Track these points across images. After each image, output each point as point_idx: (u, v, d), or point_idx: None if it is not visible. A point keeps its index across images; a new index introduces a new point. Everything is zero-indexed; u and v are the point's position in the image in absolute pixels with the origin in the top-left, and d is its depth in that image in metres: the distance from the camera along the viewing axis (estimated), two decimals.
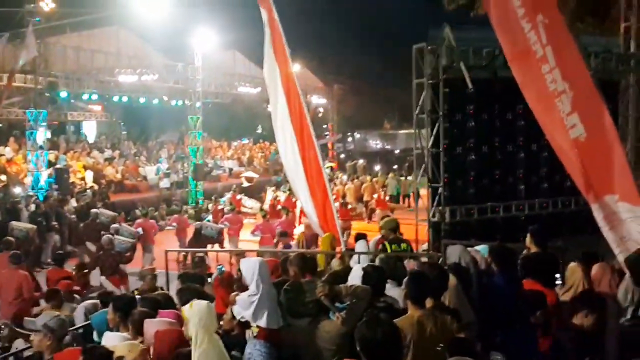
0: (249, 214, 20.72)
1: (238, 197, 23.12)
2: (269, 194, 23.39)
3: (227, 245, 15.57)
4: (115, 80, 23.71)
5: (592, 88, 5.15)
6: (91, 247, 13.28)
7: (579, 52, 5.20)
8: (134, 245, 13.10)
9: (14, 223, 15.20)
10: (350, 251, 8.98)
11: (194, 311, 4.25)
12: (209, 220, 17.13)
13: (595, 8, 17.09)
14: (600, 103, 5.10)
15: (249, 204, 23.06)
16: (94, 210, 16.27)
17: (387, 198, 22.40)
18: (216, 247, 14.71)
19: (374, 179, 26.62)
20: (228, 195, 23.61)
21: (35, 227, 15.41)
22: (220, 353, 4.19)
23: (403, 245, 8.45)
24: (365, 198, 23.54)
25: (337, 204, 19.44)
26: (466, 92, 11.12)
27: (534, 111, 5.44)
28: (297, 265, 5.41)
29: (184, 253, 14.23)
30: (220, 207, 20.18)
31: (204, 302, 4.40)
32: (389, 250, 8.15)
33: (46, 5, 20.60)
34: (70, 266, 10.67)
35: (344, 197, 21.23)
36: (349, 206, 20.18)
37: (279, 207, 18.39)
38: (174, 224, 16.99)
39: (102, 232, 13.68)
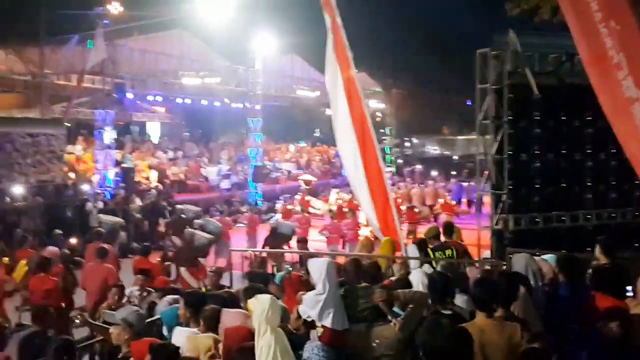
0: (317, 215, 20.81)
1: (307, 198, 23.47)
2: (333, 195, 23.60)
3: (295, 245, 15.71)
4: (179, 83, 24.31)
5: None
6: (176, 241, 14.05)
7: None
8: (211, 241, 13.56)
9: (101, 216, 16.42)
10: (410, 257, 8.95)
11: (258, 303, 4.33)
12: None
13: None
14: None
15: (317, 204, 23.18)
16: (179, 206, 17.25)
17: (453, 203, 22.10)
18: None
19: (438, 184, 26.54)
20: (297, 196, 23.95)
21: (122, 220, 16.52)
22: (282, 345, 4.21)
23: (448, 252, 8.37)
24: (428, 202, 23.55)
25: (403, 207, 19.85)
26: (531, 98, 10.88)
27: (609, 117, 5.30)
28: (352, 270, 5.43)
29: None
30: (289, 207, 20.59)
31: (268, 296, 4.47)
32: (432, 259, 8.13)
33: (114, 9, 21.32)
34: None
35: (410, 200, 21.16)
36: (416, 209, 20.20)
37: (345, 209, 18.61)
38: (245, 221, 17.54)
39: (187, 227, 14.40)
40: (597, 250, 6.34)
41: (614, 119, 5.28)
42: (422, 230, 16.60)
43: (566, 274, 5.53)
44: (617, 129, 5.30)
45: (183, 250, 12.40)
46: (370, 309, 4.88)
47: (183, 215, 16.28)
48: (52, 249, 10.52)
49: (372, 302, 4.84)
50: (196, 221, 15.56)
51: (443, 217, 19.78)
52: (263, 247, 14.51)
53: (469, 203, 24.53)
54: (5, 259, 10.75)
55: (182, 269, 10.95)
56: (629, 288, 5.90)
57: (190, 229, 13.72)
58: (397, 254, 9.33)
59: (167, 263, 11.41)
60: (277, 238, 14.92)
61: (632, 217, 11.69)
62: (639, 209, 11.65)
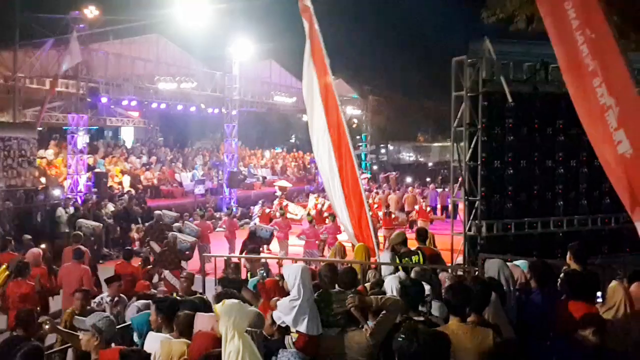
0: (294, 220, 20.84)
1: (284, 203, 23.55)
2: (311, 200, 23.68)
3: (276, 248, 16.34)
4: (155, 87, 24.09)
5: (639, 105, 5.07)
6: (154, 245, 14.08)
7: (626, 69, 5.12)
8: (193, 244, 14.23)
9: (82, 220, 16.28)
10: (385, 262, 8.97)
11: (225, 308, 4.24)
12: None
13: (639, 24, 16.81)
14: None
15: (294, 209, 23.36)
16: (157, 212, 17.28)
17: (429, 209, 22.26)
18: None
19: (415, 190, 26.81)
20: (275, 201, 24.02)
21: (101, 225, 16.79)
22: (251, 351, 4.13)
23: (415, 258, 8.41)
24: (406, 208, 23.87)
25: (380, 213, 19.95)
26: (506, 105, 11.03)
27: (584, 124, 5.37)
28: (326, 275, 5.43)
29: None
30: (267, 211, 20.70)
31: (235, 301, 4.39)
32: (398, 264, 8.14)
33: (90, 13, 21.07)
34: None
35: (387, 206, 21.47)
36: (393, 215, 20.39)
37: (326, 213, 18.76)
38: (224, 226, 17.77)
39: (166, 232, 14.88)
40: (569, 256, 6.42)
41: (588, 125, 5.35)
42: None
43: (538, 280, 5.59)
44: (592, 135, 5.38)
45: (166, 254, 12.59)
46: (342, 314, 4.87)
47: (161, 221, 16.31)
48: (34, 251, 10.39)
49: (345, 307, 4.83)
50: (175, 225, 15.74)
51: (419, 223, 19.90)
52: (241, 251, 14.63)
53: (444, 209, 24.72)
54: None
55: (166, 272, 11.08)
56: (599, 294, 6.00)
57: (173, 233, 13.99)
58: (372, 259, 9.35)
59: (149, 267, 11.54)
60: (255, 242, 15.05)
61: (602, 223, 11.89)
62: (609, 216, 11.83)
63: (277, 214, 19.63)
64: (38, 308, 8.55)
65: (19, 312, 6.70)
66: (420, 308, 5.05)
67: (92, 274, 10.11)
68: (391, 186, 30.17)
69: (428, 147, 50.49)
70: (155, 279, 11.31)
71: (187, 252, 13.77)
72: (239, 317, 4.21)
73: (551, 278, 5.76)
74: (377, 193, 25.62)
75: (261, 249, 15.00)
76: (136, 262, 11.78)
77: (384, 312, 4.78)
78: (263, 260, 10.36)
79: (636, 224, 4.89)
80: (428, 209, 21.51)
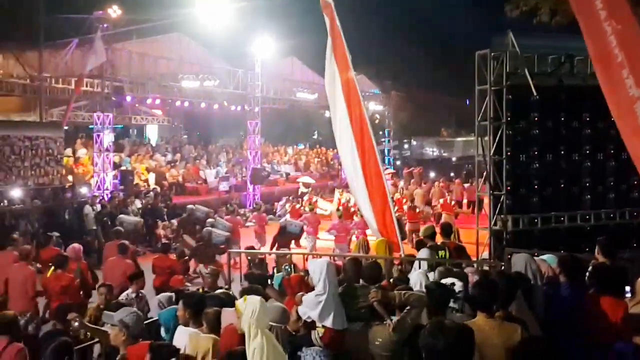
0: (323, 215, 20.96)
1: (314, 199, 23.74)
2: (336, 196, 23.77)
3: (305, 242, 16.51)
4: (178, 86, 24.28)
5: None
6: (188, 239, 14.61)
7: None
8: (228, 238, 14.55)
9: (123, 216, 16.91)
10: (408, 257, 8.97)
11: (247, 306, 4.26)
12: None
13: None
14: None
15: (323, 205, 23.49)
16: (190, 206, 18.00)
17: (453, 203, 22.18)
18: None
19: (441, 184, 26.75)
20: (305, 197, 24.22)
21: (142, 220, 17.48)
22: (274, 347, 4.17)
23: (441, 253, 8.41)
24: (433, 202, 23.87)
25: (405, 207, 20.01)
26: (530, 99, 10.92)
27: (614, 115, 5.32)
28: (351, 269, 5.43)
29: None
30: (297, 207, 20.91)
31: (257, 297, 4.40)
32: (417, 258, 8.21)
33: (114, 12, 21.32)
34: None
35: (412, 200, 21.50)
36: (417, 209, 20.48)
37: (353, 208, 18.87)
38: (253, 220, 18.05)
39: (198, 226, 15.66)
40: (597, 250, 6.35)
41: (618, 116, 5.29)
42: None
43: (567, 274, 5.53)
44: (621, 127, 5.31)
45: (201, 248, 13.14)
46: (366, 308, 4.87)
47: (194, 216, 17.13)
48: (75, 246, 10.67)
49: (368, 301, 4.83)
50: (208, 220, 16.15)
51: (443, 217, 19.92)
52: (272, 245, 15.19)
53: (470, 204, 24.57)
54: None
55: (201, 266, 11.21)
56: (627, 288, 5.92)
57: (208, 228, 14.53)
58: (396, 255, 9.35)
59: (185, 258, 12.11)
60: (286, 236, 15.63)
61: (630, 217, 11.72)
62: (637, 210, 11.66)
63: (307, 209, 19.83)
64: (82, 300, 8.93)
65: (58, 307, 6.96)
66: (452, 305, 4.99)
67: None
68: (416, 181, 30.02)
69: (451, 141, 50.15)
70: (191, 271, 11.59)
71: (222, 246, 14.03)
72: (261, 314, 4.22)
73: (580, 272, 5.70)
74: (403, 188, 25.58)
75: (291, 244, 15.57)
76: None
77: (407, 307, 4.77)
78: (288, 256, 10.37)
79: None
80: (452, 202, 21.34)
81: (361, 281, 5.25)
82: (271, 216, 21.81)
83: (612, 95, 5.24)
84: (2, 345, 5.36)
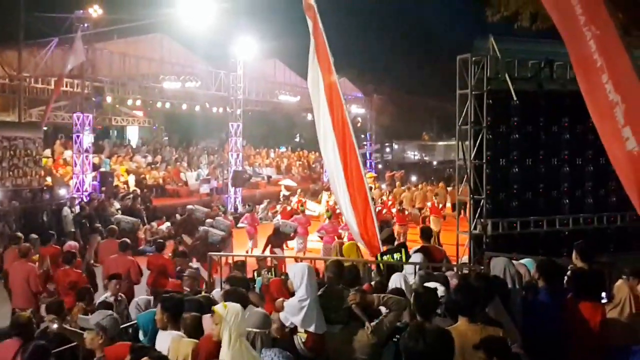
0: (312, 217, 21.17)
1: (303, 200, 23.86)
2: (324, 197, 23.88)
3: (295, 243, 17.08)
4: (159, 87, 24.12)
5: None
6: (186, 238, 15.13)
7: (631, 66, 5.09)
8: (224, 238, 15.15)
9: (120, 216, 17.37)
10: (387, 261, 8.97)
11: (228, 312, 4.16)
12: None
13: None
14: None
15: (312, 206, 23.73)
16: (189, 206, 18.58)
17: (441, 206, 22.41)
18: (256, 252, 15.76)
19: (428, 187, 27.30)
20: (294, 198, 24.33)
21: (139, 220, 18.04)
22: (254, 358, 4.15)
23: (397, 256, 8.45)
24: (417, 205, 24.25)
25: (393, 210, 20.57)
26: (510, 103, 11.01)
27: (594, 120, 5.35)
28: (333, 272, 5.42)
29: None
30: (288, 208, 21.16)
31: (238, 305, 4.35)
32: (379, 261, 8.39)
33: (94, 12, 21.08)
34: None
35: (400, 203, 21.92)
36: (406, 212, 20.89)
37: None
38: (246, 221, 18.34)
39: (197, 226, 16.25)
40: (574, 254, 6.40)
41: (598, 121, 5.33)
42: (413, 232, 17.57)
43: (546, 279, 5.57)
44: (601, 131, 5.35)
45: (198, 246, 13.63)
46: (345, 310, 4.86)
47: (193, 216, 17.68)
48: (72, 244, 11.34)
49: (347, 304, 4.82)
50: (208, 220, 16.72)
51: (432, 220, 20.23)
52: (266, 245, 15.71)
53: (454, 207, 24.71)
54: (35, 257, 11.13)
55: (197, 264, 11.37)
56: (603, 294, 5.98)
57: (205, 227, 15.12)
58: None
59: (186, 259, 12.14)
60: (279, 237, 15.98)
61: (608, 222, 11.85)
62: (615, 214, 11.79)
63: (300, 208, 20.31)
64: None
65: (49, 303, 7.10)
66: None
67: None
68: (396, 184, 30.16)
69: (433, 145, 50.44)
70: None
71: (217, 246, 14.47)
72: (242, 322, 4.17)
73: (559, 277, 5.75)
74: (387, 191, 25.82)
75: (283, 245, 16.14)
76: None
77: (386, 310, 4.77)
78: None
79: None
80: (440, 205, 21.59)
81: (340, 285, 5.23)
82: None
83: (592, 100, 5.28)
84: (16, 347, 5.34)
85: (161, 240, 12.80)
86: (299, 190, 25.62)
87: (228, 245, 15.54)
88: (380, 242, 9.01)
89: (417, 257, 8.23)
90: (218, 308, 4.24)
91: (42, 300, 9.46)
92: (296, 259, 11.64)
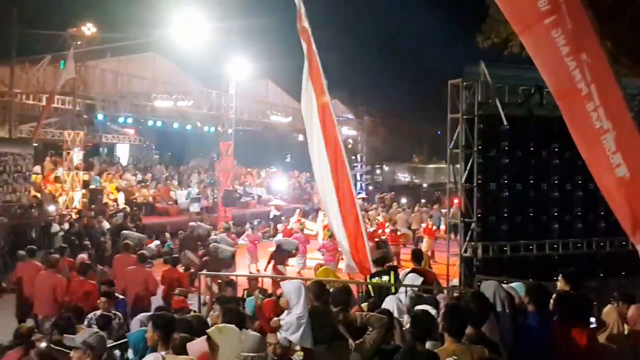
0: (310, 236, 21.26)
1: (302, 220, 23.91)
2: (320, 216, 23.96)
3: (295, 261, 17.54)
4: (151, 105, 24.16)
5: (634, 128, 5.13)
6: (191, 255, 15.42)
7: (621, 92, 5.19)
8: (234, 254, 15.56)
9: (126, 232, 17.66)
10: (377, 282, 8.97)
11: (226, 337, 4.09)
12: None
13: (632, 50, 17.02)
14: None
15: (310, 225, 23.79)
16: (192, 223, 19.21)
17: (434, 228, 22.56)
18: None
19: (423, 209, 27.61)
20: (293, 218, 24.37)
21: (145, 236, 18.61)
22: None
23: (386, 278, 8.45)
24: (413, 226, 24.44)
25: (387, 230, 20.73)
26: (501, 128, 11.12)
27: (580, 149, 5.42)
28: (315, 293, 5.42)
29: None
30: (289, 227, 21.41)
31: (233, 329, 4.29)
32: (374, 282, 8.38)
33: (88, 30, 21.17)
34: None
35: (394, 223, 22.09)
36: (399, 232, 20.98)
37: None
38: (246, 239, 18.73)
39: (199, 242, 17.23)
40: (561, 280, 6.43)
41: (584, 149, 5.39)
42: (406, 252, 17.64)
43: (535, 303, 5.59)
44: (588, 160, 5.41)
45: (209, 262, 14.06)
46: (329, 329, 4.88)
47: (195, 233, 18.31)
48: (84, 256, 12.05)
49: (331, 323, 4.84)
50: (212, 237, 17.33)
51: (425, 240, 20.77)
52: (268, 262, 16.23)
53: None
54: None
55: (208, 280, 11.50)
56: (592, 319, 6.01)
57: (214, 243, 15.52)
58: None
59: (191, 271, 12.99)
60: (282, 254, 16.39)
61: (597, 247, 11.92)
62: (604, 240, 11.87)
63: (295, 228, 20.67)
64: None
65: (56, 320, 7.36)
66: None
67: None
68: (386, 206, 30.26)
69: (423, 168, 50.64)
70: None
71: (228, 261, 15.00)
72: (239, 346, 4.12)
73: (548, 301, 5.77)
74: (378, 214, 26.04)
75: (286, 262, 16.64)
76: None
77: (369, 328, 4.79)
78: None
79: (638, 247, 4.90)
80: (434, 227, 21.75)
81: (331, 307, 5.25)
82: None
83: (577, 129, 5.35)
84: (17, 357, 5.52)
85: (176, 256, 13.53)
86: (297, 210, 25.72)
87: (233, 261, 15.93)
88: (372, 262, 9.01)
89: (410, 279, 8.25)
90: (213, 334, 4.17)
91: None
92: (282, 280, 11.63)
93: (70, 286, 9.98)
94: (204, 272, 11.33)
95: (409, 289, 7.50)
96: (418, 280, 8.11)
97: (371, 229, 19.71)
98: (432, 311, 5.35)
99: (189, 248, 16.51)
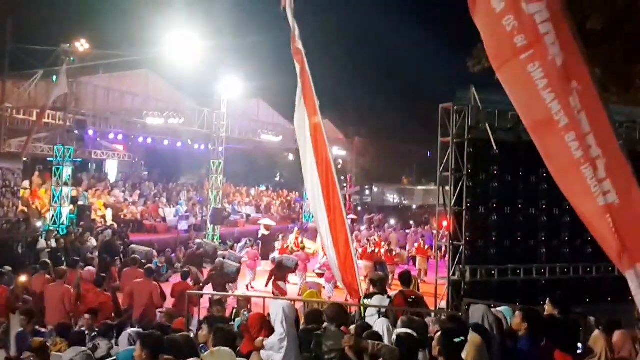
0: (308, 254, 21.88)
1: (300, 239, 24.19)
2: (319, 236, 24.15)
3: (296, 279, 18.31)
4: (142, 122, 24.17)
5: (622, 155, 5.21)
6: (194, 270, 15.73)
7: (609, 119, 5.28)
8: (239, 269, 16.54)
9: (134, 246, 18.80)
10: (366, 304, 8.98)
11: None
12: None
13: (620, 77, 17.29)
14: (630, 171, 5.15)
15: (308, 244, 24.19)
16: (198, 240, 20.33)
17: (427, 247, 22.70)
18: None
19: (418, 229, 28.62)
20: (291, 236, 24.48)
21: (152, 250, 19.49)
22: None
23: (377, 300, 8.46)
24: (408, 247, 25.28)
25: (382, 250, 20.86)
26: (491, 153, 11.21)
27: (557, 180, 5.48)
28: (329, 315, 5.43)
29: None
30: (286, 246, 21.84)
31: (228, 352, 4.26)
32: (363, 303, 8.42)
33: (81, 46, 21.26)
34: None
35: (389, 244, 22.33)
36: (394, 252, 21.56)
37: None
38: (247, 256, 19.25)
39: (204, 259, 18.57)
40: (548, 304, 6.49)
41: (562, 180, 5.46)
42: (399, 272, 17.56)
43: (531, 327, 5.62)
44: (567, 191, 5.47)
45: (214, 277, 14.61)
46: (337, 352, 4.88)
47: (201, 250, 19.27)
48: (91, 269, 12.23)
49: (340, 346, 4.84)
50: (220, 252, 18.53)
51: (418, 260, 21.70)
52: (269, 279, 16.37)
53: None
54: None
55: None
56: (579, 345, 6.06)
57: (220, 259, 16.26)
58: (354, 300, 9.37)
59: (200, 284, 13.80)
60: (282, 270, 16.68)
61: (584, 272, 11.98)
62: (590, 265, 11.95)
63: (292, 248, 21.56)
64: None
65: (58, 324, 8.21)
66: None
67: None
68: (374, 227, 30.40)
69: (412, 190, 50.83)
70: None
71: (233, 276, 15.93)
72: None
73: (543, 326, 5.80)
74: (370, 235, 26.35)
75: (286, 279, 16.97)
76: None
77: (379, 358, 4.79)
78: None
79: (626, 274, 4.95)
80: (426, 247, 22.11)
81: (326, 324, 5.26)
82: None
83: (553, 161, 5.42)
84: None
85: (186, 270, 14.00)
86: (295, 229, 25.91)
87: (237, 277, 16.74)
88: (370, 281, 8.97)
89: (377, 301, 8.29)
90: (205, 357, 4.11)
91: None
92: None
93: (86, 297, 10.53)
94: (192, 292, 11.34)
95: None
96: (385, 302, 8.19)
97: (370, 249, 20.40)
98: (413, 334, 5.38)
99: (194, 264, 16.97)
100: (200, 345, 5.92)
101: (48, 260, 13.56)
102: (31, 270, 13.32)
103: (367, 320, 7.08)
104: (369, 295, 8.55)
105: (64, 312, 10.35)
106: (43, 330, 8.50)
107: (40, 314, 10.32)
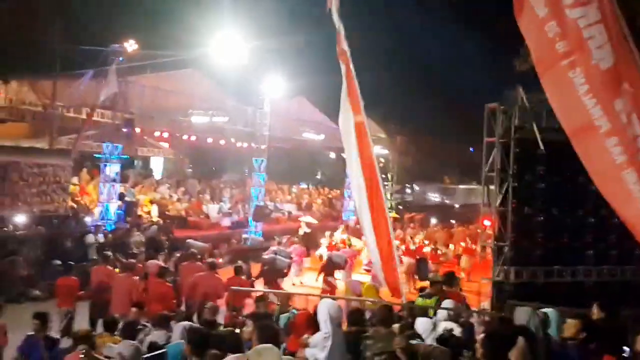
0: (355, 251, 21.90)
1: (345, 236, 24.45)
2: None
3: (341, 275, 18.13)
4: (188, 120, 24.55)
5: None
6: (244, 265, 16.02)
7: None
8: (290, 264, 16.85)
9: (190, 241, 18.96)
10: (410, 304, 9.00)
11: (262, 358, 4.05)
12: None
13: None
14: None
15: (354, 242, 24.09)
16: (271, 255, 19.70)
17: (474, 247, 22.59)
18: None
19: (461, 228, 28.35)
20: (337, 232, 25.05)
21: (208, 245, 19.80)
22: None
23: (427, 302, 8.61)
24: (453, 245, 24.85)
25: (428, 249, 21.22)
26: (537, 153, 11.08)
27: (597, 184, 5.45)
28: (379, 316, 5.46)
29: None
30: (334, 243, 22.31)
31: (274, 350, 4.23)
32: (417, 302, 8.68)
33: (130, 46, 21.70)
34: None
35: (434, 242, 22.41)
36: (439, 251, 21.61)
37: None
38: (294, 252, 19.51)
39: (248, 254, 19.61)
40: (594, 308, 6.40)
41: (602, 186, 5.43)
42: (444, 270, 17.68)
43: (587, 337, 5.55)
44: (608, 196, 5.44)
45: (266, 271, 15.07)
46: (388, 354, 4.91)
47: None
48: (154, 262, 12.90)
49: (390, 347, 4.87)
50: (272, 248, 18.83)
51: (464, 259, 21.41)
52: (319, 274, 16.92)
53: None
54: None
55: (265, 287, 12.70)
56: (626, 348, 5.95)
57: (271, 255, 16.59)
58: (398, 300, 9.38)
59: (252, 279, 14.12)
60: (331, 266, 17.02)
61: (632, 275, 11.75)
62: (639, 268, 11.71)
63: (339, 244, 21.82)
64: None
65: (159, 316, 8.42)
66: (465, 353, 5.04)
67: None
68: (416, 227, 30.23)
69: (454, 189, 50.31)
70: None
71: (285, 271, 16.24)
72: None
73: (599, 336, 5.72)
74: (419, 232, 26.61)
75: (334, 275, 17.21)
76: None
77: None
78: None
79: None
80: (474, 246, 21.94)
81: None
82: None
83: (593, 166, 5.38)
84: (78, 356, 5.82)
85: (239, 265, 14.23)
86: (341, 226, 26.36)
87: (288, 271, 17.08)
88: (430, 282, 9.03)
89: (446, 303, 8.27)
90: (252, 358, 4.11)
91: None
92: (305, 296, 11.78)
93: (148, 287, 10.95)
94: (234, 288, 11.50)
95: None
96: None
97: (413, 247, 20.62)
98: (457, 329, 5.39)
99: (241, 260, 17.58)
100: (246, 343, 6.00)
101: (109, 253, 14.08)
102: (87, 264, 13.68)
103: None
104: (422, 295, 8.57)
105: (130, 303, 10.43)
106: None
107: (103, 305, 10.87)
